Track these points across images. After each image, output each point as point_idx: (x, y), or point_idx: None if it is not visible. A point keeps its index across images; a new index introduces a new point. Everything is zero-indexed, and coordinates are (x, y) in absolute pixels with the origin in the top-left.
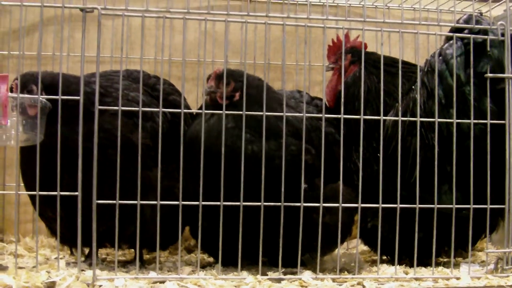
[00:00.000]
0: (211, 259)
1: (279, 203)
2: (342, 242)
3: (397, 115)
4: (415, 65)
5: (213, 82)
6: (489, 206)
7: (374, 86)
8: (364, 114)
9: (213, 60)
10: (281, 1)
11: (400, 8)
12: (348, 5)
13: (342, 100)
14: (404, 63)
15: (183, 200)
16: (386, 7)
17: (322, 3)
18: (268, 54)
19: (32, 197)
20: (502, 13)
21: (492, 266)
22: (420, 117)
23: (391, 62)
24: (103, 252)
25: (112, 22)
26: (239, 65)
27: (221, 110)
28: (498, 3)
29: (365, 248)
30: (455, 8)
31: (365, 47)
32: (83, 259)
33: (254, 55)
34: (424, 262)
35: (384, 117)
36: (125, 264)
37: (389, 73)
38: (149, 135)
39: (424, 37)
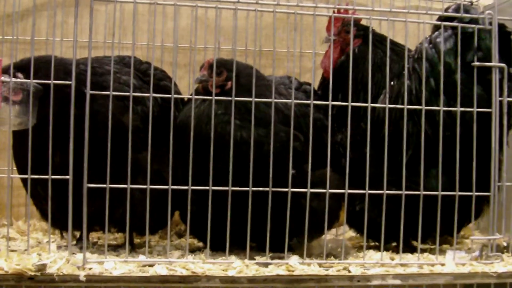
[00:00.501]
0: (201, 244)
1: (267, 188)
2: (329, 227)
3: (389, 100)
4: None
5: (206, 71)
6: (474, 193)
7: (379, 59)
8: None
9: (205, 47)
10: None
11: None
12: None
13: (331, 87)
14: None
15: (172, 185)
16: None
17: None
18: (259, 41)
19: (24, 179)
20: (492, 2)
21: (477, 253)
22: (412, 103)
23: (392, 41)
24: (94, 236)
25: (106, 8)
26: (231, 51)
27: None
28: None
29: (353, 234)
30: None
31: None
32: (74, 242)
33: (246, 42)
34: (411, 245)
35: (372, 105)
36: (116, 248)
37: (392, 51)
38: (140, 118)
39: (414, 25)
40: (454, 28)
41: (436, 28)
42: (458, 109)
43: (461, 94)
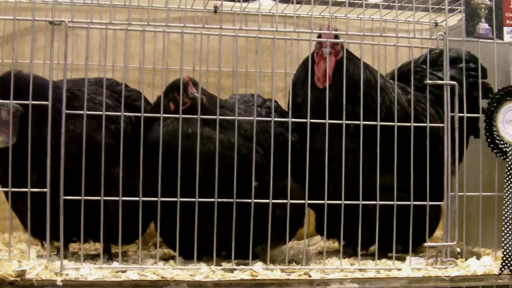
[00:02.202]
0: (176, 254)
1: (231, 200)
2: (293, 235)
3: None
4: None
5: (195, 89)
6: (428, 203)
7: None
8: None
9: (181, 68)
10: (232, 12)
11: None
12: (297, 15)
13: (290, 105)
14: None
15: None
16: (333, 17)
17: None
18: (234, 62)
19: (5, 193)
20: (456, 22)
21: (434, 259)
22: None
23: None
24: (75, 247)
25: (86, 32)
26: (206, 72)
27: (182, 115)
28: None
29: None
30: (397, 18)
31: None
32: (55, 253)
33: (219, 63)
34: (386, 254)
35: (330, 121)
36: (94, 257)
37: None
38: (112, 135)
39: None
40: None
41: None
42: (412, 124)
43: None
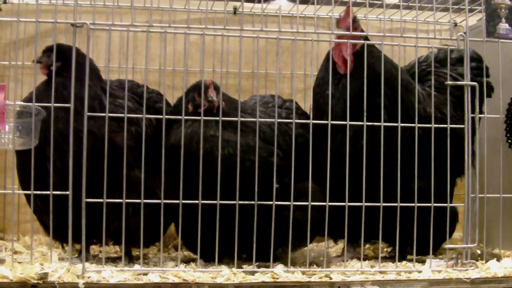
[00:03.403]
0: (196, 256)
1: (253, 202)
2: (313, 237)
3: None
4: None
5: (215, 93)
6: (449, 204)
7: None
8: None
9: (201, 70)
10: (252, 13)
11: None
12: (317, 16)
13: (311, 106)
14: None
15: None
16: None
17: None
18: (253, 63)
19: (27, 195)
20: (476, 23)
21: (454, 261)
22: None
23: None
24: (96, 249)
25: (106, 34)
26: (226, 73)
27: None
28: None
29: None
30: (417, 19)
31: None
32: (76, 255)
33: (240, 65)
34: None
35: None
36: (115, 260)
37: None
38: (133, 137)
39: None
40: None
41: None
42: (433, 125)
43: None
